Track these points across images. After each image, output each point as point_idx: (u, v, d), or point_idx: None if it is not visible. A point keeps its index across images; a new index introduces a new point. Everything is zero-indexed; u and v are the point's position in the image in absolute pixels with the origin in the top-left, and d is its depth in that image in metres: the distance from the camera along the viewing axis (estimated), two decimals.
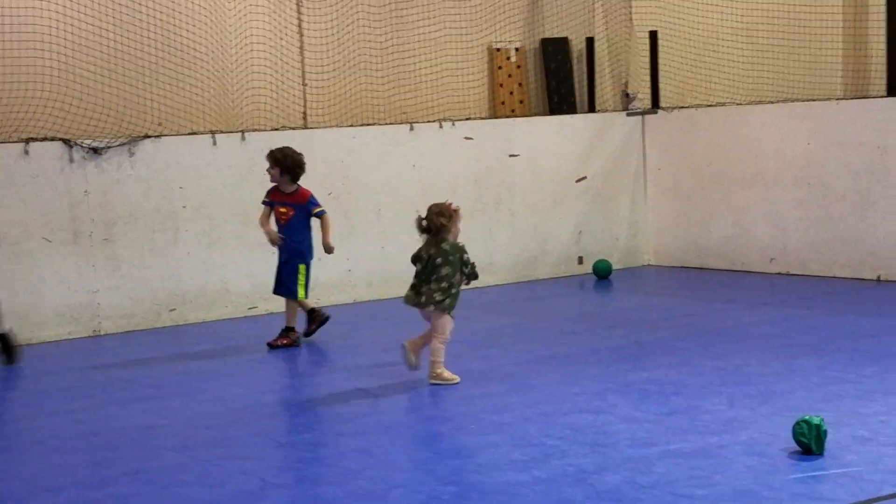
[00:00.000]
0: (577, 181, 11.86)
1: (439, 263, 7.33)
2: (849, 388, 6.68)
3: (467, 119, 11.69)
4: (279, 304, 10.58)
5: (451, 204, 7.50)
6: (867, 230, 10.51)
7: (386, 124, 11.23)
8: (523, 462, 5.57)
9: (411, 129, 11.14)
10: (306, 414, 6.85)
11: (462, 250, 7.39)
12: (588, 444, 5.84)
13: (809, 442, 5.38)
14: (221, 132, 10.37)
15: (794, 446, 5.53)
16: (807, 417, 5.44)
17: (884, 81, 10.65)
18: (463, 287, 7.47)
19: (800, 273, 11.05)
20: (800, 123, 10.98)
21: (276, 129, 10.75)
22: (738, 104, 11.85)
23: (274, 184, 8.76)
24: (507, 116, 12.23)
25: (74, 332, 9.56)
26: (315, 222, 8.87)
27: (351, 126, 11.10)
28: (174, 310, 10.00)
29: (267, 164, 8.77)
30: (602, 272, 11.63)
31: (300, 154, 8.79)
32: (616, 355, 7.97)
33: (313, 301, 9.35)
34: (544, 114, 12.55)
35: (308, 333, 9.03)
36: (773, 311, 9.33)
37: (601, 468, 5.41)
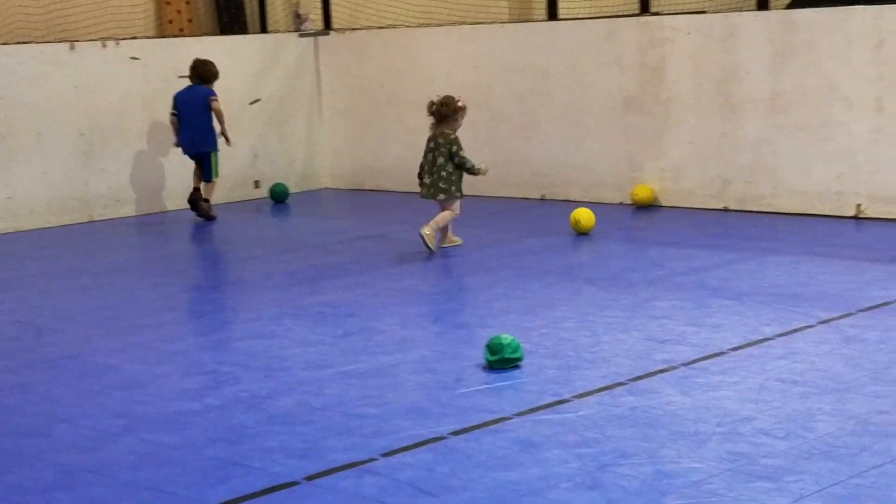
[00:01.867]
0: (251, 103, 11.65)
1: (436, 152, 8.45)
2: (514, 303, 6.94)
3: (133, 38, 11.20)
4: None
5: (459, 100, 8.49)
6: (532, 151, 10.93)
7: (44, 43, 10.58)
8: (195, 390, 5.45)
9: (72, 48, 10.54)
10: None
11: (452, 143, 8.41)
12: (262, 369, 5.79)
13: (504, 350, 5.52)
14: None
15: (462, 363, 5.70)
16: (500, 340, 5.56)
17: (545, 5, 11.02)
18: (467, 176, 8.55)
19: (471, 193, 11.30)
20: (468, 47, 11.23)
21: None
22: (408, 26, 11.96)
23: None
24: (176, 36, 11.81)
25: None
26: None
27: (5, 44, 10.38)
28: None
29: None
30: (279, 196, 11.54)
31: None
32: (292, 279, 7.94)
33: None
34: (214, 34, 12.23)
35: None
36: None
37: (274, 392, 5.38)
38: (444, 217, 8.53)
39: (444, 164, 8.49)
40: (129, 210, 10.89)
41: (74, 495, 4.29)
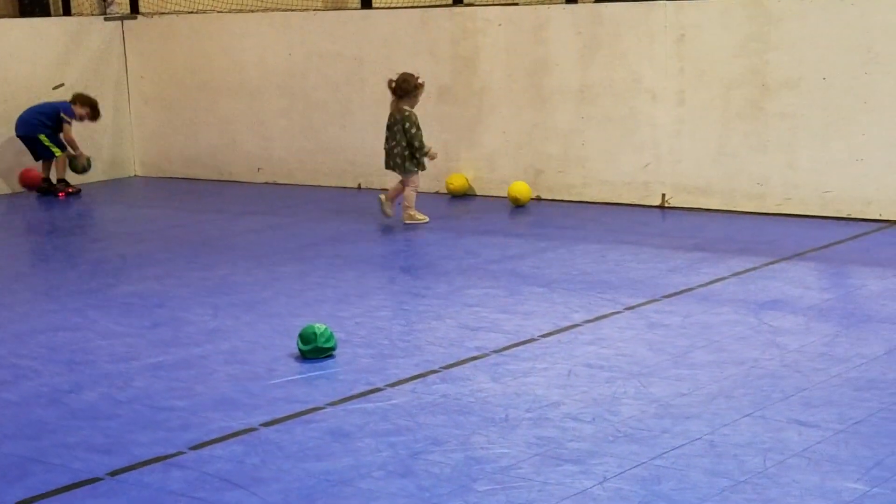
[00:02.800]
0: (55, 88, 11.23)
1: (395, 128, 8.80)
2: (328, 292, 6.89)
3: None
4: None
5: (418, 77, 8.82)
6: (347, 140, 10.88)
7: None
8: None
9: None
10: None
11: (406, 119, 8.74)
12: (64, 362, 5.59)
13: (317, 340, 5.45)
14: None
15: (274, 353, 5.63)
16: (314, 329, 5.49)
17: None
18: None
19: (286, 182, 11.25)
20: (281, 34, 11.09)
21: None
22: (219, 12, 11.74)
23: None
24: None
25: None
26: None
27: None
28: None
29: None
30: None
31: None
32: (98, 269, 7.70)
33: None
34: (13, 16, 11.74)
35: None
36: (258, 221, 9.43)
37: (77, 386, 5.20)
38: (408, 198, 8.89)
39: (401, 140, 8.81)
40: None
41: None
